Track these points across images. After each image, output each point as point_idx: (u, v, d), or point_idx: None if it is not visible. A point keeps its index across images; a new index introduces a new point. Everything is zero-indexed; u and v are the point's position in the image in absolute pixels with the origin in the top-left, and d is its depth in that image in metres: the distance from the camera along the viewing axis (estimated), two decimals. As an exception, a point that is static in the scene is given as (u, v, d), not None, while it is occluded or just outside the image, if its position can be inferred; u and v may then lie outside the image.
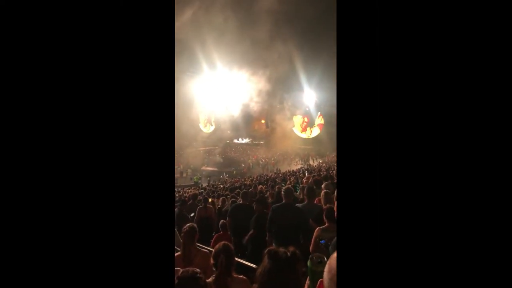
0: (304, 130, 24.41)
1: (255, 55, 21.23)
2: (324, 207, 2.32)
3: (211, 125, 25.64)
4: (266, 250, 1.09)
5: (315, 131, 24.08)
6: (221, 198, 5.04)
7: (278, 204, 2.65)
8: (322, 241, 1.90)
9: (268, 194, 4.71)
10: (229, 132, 25.98)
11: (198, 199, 4.71)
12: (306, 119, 24.40)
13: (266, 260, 1.07)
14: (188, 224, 2.06)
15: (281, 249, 1.08)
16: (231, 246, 1.55)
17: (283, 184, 5.67)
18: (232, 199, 4.18)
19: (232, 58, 21.61)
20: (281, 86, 22.96)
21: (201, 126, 25.48)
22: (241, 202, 3.51)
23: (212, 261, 1.49)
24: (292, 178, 7.10)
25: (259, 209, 2.91)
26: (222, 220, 3.44)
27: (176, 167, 20.12)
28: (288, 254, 1.06)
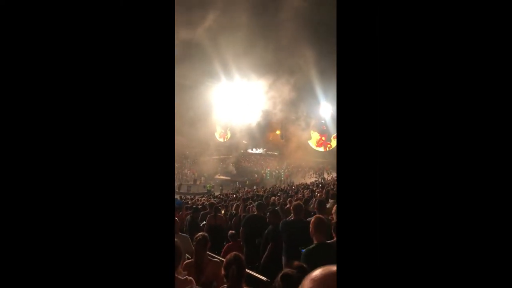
0: (319, 145, 24.24)
1: (275, 64, 21.51)
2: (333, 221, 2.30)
3: (227, 134, 25.94)
4: (279, 276, 1.09)
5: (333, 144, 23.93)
6: (234, 205, 5.04)
7: (288, 219, 2.66)
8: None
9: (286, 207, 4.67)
10: (244, 141, 26.14)
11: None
12: (323, 138, 24.25)
13: (280, 284, 1.08)
14: (200, 233, 2.07)
15: (291, 271, 1.09)
16: (243, 257, 1.54)
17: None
18: (244, 213, 4.17)
19: (251, 67, 22.01)
20: (297, 97, 23.00)
21: (217, 135, 25.85)
22: (255, 213, 3.50)
23: (223, 272, 1.49)
24: (306, 192, 6.99)
25: (273, 221, 2.89)
26: (231, 231, 3.43)
27: (190, 174, 20.38)
28: (297, 271, 1.07)
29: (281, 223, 2.59)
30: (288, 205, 4.69)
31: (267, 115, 23.74)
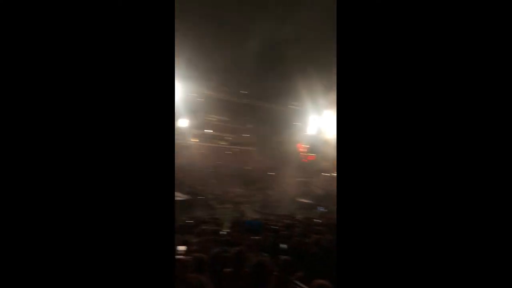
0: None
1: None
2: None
3: (311, 156, 25.55)
4: None
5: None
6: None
7: None
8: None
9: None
10: (328, 164, 25.04)
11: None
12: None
13: None
14: (284, 257, 1.96)
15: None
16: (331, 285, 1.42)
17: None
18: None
19: (333, 90, 21.42)
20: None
21: (300, 157, 25.75)
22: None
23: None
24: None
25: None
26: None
27: (273, 194, 20.69)
28: None
29: None
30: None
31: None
